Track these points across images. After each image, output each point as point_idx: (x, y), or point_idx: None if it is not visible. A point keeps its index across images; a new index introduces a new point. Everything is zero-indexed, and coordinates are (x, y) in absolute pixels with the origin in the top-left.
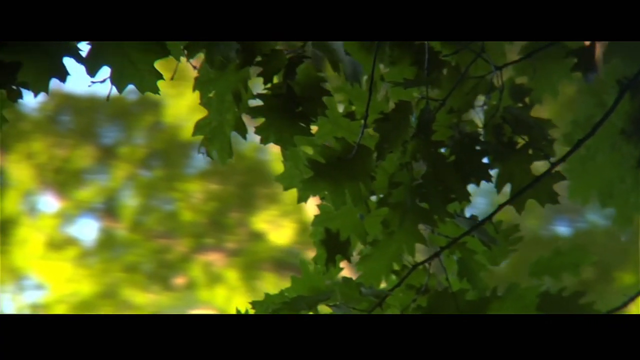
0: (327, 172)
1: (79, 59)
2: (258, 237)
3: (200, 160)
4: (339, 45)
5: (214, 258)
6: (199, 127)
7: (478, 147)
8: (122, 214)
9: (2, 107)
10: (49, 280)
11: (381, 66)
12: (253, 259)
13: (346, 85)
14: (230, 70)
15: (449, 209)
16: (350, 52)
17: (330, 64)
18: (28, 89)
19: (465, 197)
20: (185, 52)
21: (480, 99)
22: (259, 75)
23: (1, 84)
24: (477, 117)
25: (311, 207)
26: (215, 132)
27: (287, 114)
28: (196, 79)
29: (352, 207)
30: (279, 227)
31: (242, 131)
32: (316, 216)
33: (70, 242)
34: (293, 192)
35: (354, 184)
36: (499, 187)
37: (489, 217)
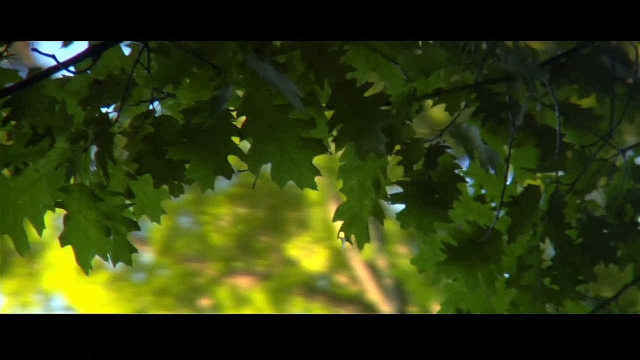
0: (461, 255)
1: (242, 157)
2: (291, 263)
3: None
4: (475, 133)
5: (243, 282)
6: (339, 213)
7: (606, 230)
8: (152, 237)
9: None
10: (79, 304)
11: (505, 147)
12: (283, 283)
13: (475, 168)
14: (371, 159)
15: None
16: (485, 139)
17: (466, 151)
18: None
19: (593, 279)
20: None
21: (603, 181)
22: (399, 163)
23: (166, 180)
24: (600, 197)
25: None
26: (354, 218)
27: (426, 201)
28: (340, 168)
29: (483, 289)
30: (311, 253)
31: (380, 216)
32: (448, 297)
33: (101, 265)
34: (325, 219)
35: (487, 267)
36: (621, 267)
37: (615, 298)
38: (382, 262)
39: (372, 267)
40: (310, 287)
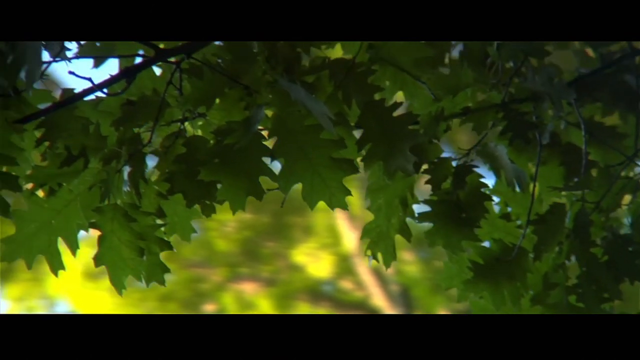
0: (487, 273)
1: (273, 177)
2: (296, 269)
3: None
4: (502, 152)
5: (248, 287)
6: (366, 231)
7: (630, 248)
8: None
9: None
10: (83, 309)
11: (530, 165)
12: (288, 289)
13: (501, 186)
14: (399, 177)
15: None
16: (511, 157)
17: (492, 170)
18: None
19: (618, 296)
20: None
21: (628, 199)
22: (427, 182)
23: (198, 200)
24: (624, 215)
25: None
26: (381, 236)
27: (454, 219)
28: (368, 187)
29: (509, 306)
30: (317, 259)
31: (407, 234)
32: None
33: (104, 270)
34: (330, 225)
35: (512, 284)
36: None
37: None
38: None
39: (378, 273)
40: (315, 292)
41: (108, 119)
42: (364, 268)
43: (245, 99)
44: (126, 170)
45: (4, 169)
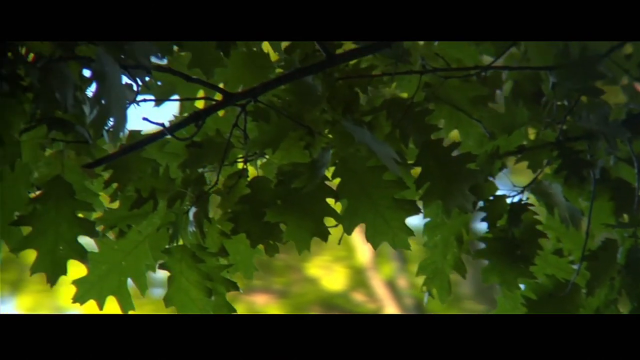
0: (540, 309)
1: (337, 218)
2: (310, 281)
3: None
4: (556, 190)
5: (260, 299)
6: (422, 267)
7: None
8: None
9: None
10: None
11: (580, 200)
12: (300, 300)
13: (553, 222)
14: (455, 214)
15: None
16: (566, 195)
17: (546, 207)
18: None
19: None
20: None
21: None
22: (482, 220)
23: (262, 240)
24: None
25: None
26: (436, 273)
27: (509, 256)
28: (426, 224)
29: None
30: (331, 272)
31: (462, 271)
32: None
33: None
34: (344, 238)
35: None
36: None
37: None
38: (402, 282)
39: (392, 286)
40: (328, 304)
41: (174, 161)
42: (377, 281)
43: (305, 139)
44: (192, 211)
45: (80, 214)
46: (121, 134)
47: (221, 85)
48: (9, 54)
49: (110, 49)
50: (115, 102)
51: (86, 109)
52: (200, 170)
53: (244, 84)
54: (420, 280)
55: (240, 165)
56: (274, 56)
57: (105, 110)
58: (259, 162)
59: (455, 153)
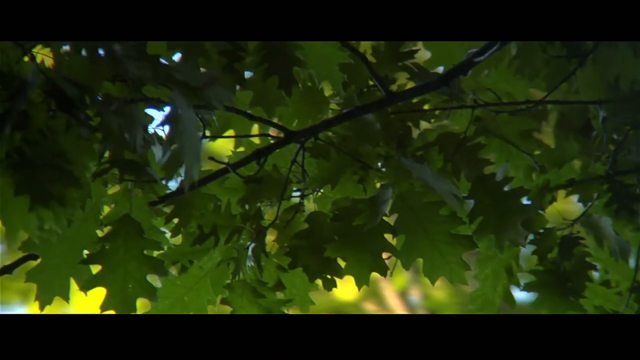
0: None
1: (395, 253)
2: (322, 291)
3: None
4: (606, 223)
5: None
6: (473, 298)
7: None
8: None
9: None
10: None
11: (626, 230)
12: (312, 310)
13: (601, 253)
14: (505, 247)
15: None
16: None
17: (595, 240)
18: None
19: None
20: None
21: None
22: (533, 253)
23: (320, 274)
24: None
25: None
26: (485, 304)
27: (559, 289)
28: (478, 257)
29: None
30: (343, 282)
31: (511, 302)
32: None
33: None
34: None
35: None
36: None
37: None
38: (415, 293)
39: (404, 297)
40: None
41: (233, 196)
42: (390, 292)
43: (359, 173)
44: (251, 246)
45: (146, 251)
46: (195, 177)
47: (275, 120)
48: (87, 99)
49: (185, 93)
50: (189, 146)
51: (155, 150)
52: (258, 205)
53: (298, 119)
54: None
55: (296, 200)
56: (328, 90)
57: (178, 154)
58: (313, 196)
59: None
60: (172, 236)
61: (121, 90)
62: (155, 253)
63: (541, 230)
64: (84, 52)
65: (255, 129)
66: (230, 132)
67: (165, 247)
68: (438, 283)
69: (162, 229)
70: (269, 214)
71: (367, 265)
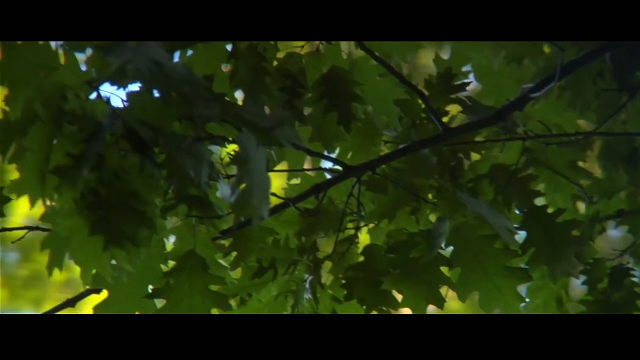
0: None
1: (451, 285)
2: None
3: None
4: None
5: None
6: None
7: None
8: None
9: None
10: None
11: None
12: None
13: None
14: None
15: None
16: None
17: None
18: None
19: None
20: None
21: None
22: (583, 283)
23: (375, 306)
24: None
25: None
26: None
27: None
28: (528, 287)
29: None
30: None
31: None
32: None
33: None
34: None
35: None
36: None
37: None
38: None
39: None
40: None
41: (290, 229)
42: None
43: (411, 204)
44: (308, 278)
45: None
46: (265, 216)
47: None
48: (160, 140)
49: (254, 131)
50: (258, 185)
51: (220, 186)
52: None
53: (353, 151)
54: None
55: (351, 232)
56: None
57: (247, 194)
58: (367, 228)
59: None
60: (231, 269)
61: (186, 128)
62: (215, 287)
63: (591, 261)
64: (155, 93)
65: (308, 160)
66: (284, 165)
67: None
68: (452, 294)
69: (221, 261)
70: (323, 245)
71: (423, 298)
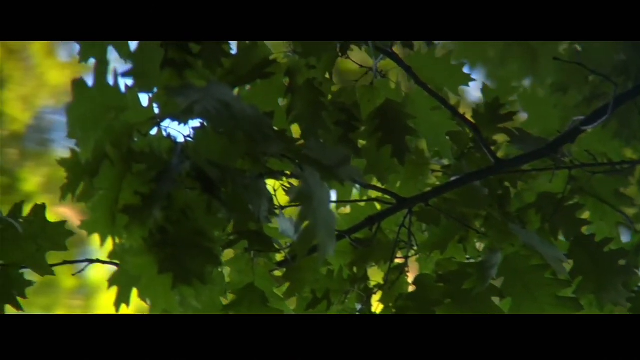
0: None
1: None
2: None
3: None
4: None
5: None
6: None
7: None
8: None
9: None
10: None
11: None
12: None
13: None
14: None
15: None
16: None
17: None
18: None
19: None
20: None
21: None
22: (630, 310)
23: None
24: None
25: None
26: None
27: None
28: None
29: None
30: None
31: None
32: None
33: None
34: None
35: None
36: None
37: None
38: None
39: None
40: None
41: (342, 259)
42: None
43: (459, 233)
44: (359, 308)
45: None
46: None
47: (374, 182)
48: (228, 179)
49: (318, 169)
50: (322, 223)
51: (280, 221)
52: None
53: (402, 181)
54: None
55: (400, 261)
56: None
57: (311, 231)
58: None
59: None
60: (285, 299)
61: (247, 164)
62: None
63: (637, 289)
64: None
65: (356, 195)
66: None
67: None
68: None
69: (278, 292)
70: (371, 273)
71: None
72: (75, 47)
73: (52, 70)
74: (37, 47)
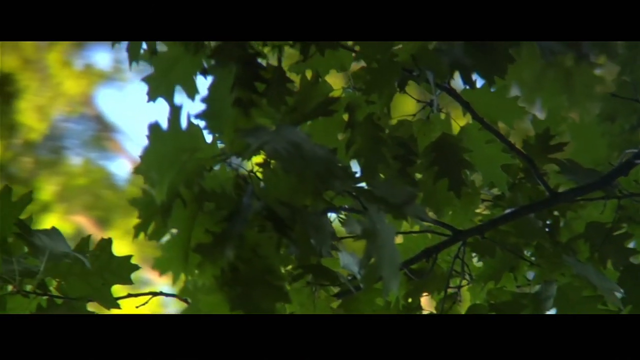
0: None
1: None
2: None
3: None
4: None
5: None
6: None
7: None
8: None
9: None
10: None
11: None
12: None
13: None
14: None
15: None
16: None
17: None
18: None
19: None
20: None
21: None
22: None
23: None
24: None
25: None
26: None
27: None
28: None
29: None
30: None
31: None
32: None
33: None
34: None
35: None
36: None
37: None
38: None
39: None
40: None
41: (398, 290)
42: None
43: (512, 263)
44: None
45: None
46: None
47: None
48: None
49: (386, 207)
50: (387, 260)
51: (342, 256)
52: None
53: (453, 210)
54: None
55: (452, 290)
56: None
57: (376, 268)
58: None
59: None
60: None
61: (308, 199)
62: None
63: None
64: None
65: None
66: None
67: None
68: None
69: None
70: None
71: None
72: (89, 54)
73: (68, 80)
74: (53, 57)
